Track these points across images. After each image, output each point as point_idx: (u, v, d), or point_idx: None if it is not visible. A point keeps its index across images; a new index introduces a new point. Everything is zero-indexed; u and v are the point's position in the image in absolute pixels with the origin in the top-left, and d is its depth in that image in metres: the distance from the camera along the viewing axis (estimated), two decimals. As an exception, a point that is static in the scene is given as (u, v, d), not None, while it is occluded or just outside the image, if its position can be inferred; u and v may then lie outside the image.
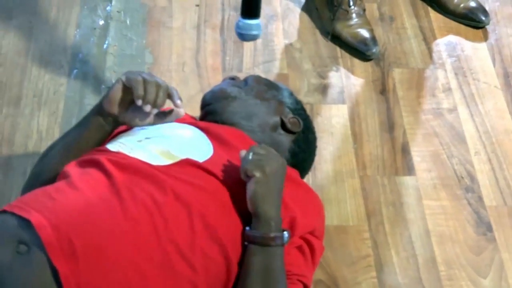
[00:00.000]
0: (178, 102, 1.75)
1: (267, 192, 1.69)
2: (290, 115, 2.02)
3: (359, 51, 2.63)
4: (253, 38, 2.08)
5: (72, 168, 1.73)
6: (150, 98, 1.70)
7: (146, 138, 1.81)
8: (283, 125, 2.00)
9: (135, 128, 1.85)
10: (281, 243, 1.69)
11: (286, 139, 2.00)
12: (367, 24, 2.67)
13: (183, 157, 1.76)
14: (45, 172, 1.80)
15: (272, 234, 1.68)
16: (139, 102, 1.69)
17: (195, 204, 1.67)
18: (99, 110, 1.79)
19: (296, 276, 1.74)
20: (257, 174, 1.68)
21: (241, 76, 2.48)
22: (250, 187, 1.69)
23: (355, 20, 2.66)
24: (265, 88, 2.05)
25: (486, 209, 2.23)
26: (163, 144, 1.79)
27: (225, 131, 1.90)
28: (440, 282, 2.05)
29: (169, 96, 1.75)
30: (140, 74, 1.74)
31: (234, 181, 1.73)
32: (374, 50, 2.62)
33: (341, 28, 2.66)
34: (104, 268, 1.55)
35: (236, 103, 2.00)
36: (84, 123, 1.82)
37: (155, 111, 1.73)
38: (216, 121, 1.98)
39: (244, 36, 2.07)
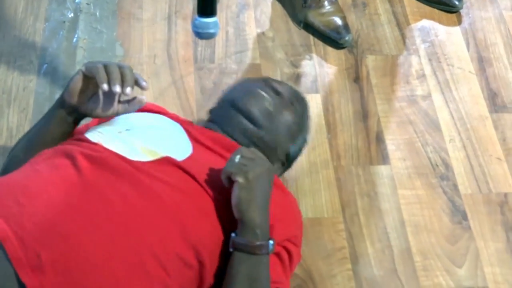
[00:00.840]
0: (144, 83, 1.70)
1: (252, 199, 1.65)
2: (282, 161, 1.99)
3: (332, 39, 2.61)
4: (210, 36, 2.05)
5: (41, 159, 1.69)
6: (115, 79, 1.65)
7: (127, 129, 1.77)
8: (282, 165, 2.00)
9: (116, 118, 1.80)
10: (266, 251, 1.67)
11: (278, 170, 1.99)
12: (339, 11, 2.65)
13: (163, 154, 1.72)
14: (11, 169, 1.77)
15: (258, 243, 1.65)
16: (105, 87, 1.64)
17: (172, 206, 1.64)
18: (61, 103, 1.76)
19: (274, 284, 1.70)
20: (240, 179, 1.64)
21: (214, 67, 2.49)
22: (234, 193, 1.65)
23: (327, 7, 2.63)
24: (286, 137, 1.96)
25: (461, 197, 2.22)
26: (143, 138, 1.76)
27: (208, 134, 1.87)
28: (415, 273, 2.04)
29: (134, 79, 1.69)
30: (100, 62, 1.70)
31: (213, 183, 1.70)
32: (347, 38, 2.59)
33: (313, 16, 2.63)
34: (75, 277, 1.52)
35: (253, 133, 1.92)
36: (47, 117, 1.80)
37: (129, 89, 1.65)
38: (219, 123, 1.94)
39: (200, 35, 2.05)
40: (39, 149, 1.75)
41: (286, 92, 1.97)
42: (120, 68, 1.67)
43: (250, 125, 1.91)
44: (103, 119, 1.83)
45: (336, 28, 2.61)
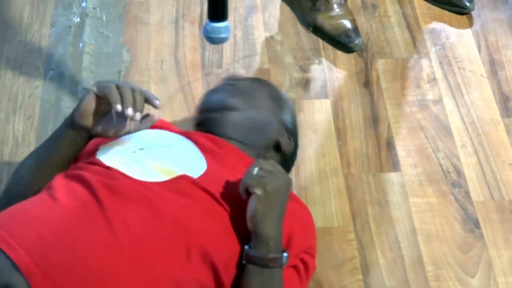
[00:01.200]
0: (157, 102, 1.68)
1: (268, 212, 1.63)
2: (286, 137, 1.96)
3: (341, 42, 2.58)
4: (222, 41, 2.03)
5: (59, 188, 1.65)
6: (128, 101, 1.63)
7: (140, 149, 1.75)
8: (277, 145, 1.95)
9: (127, 136, 1.77)
10: (280, 264, 1.65)
11: (275, 158, 1.94)
12: (349, 14, 2.61)
13: (179, 172, 1.69)
14: (18, 190, 1.73)
15: (271, 256, 1.64)
16: (118, 107, 1.62)
17: (192, 228, 1.61)
18: (71, 123, 1.72)
19: None
20: (258, 192, 1.62)
21: (222, 72, 2.46)
22: (251, 205, 1.63)
23: (336, 10, 2.60)
24: (272, 105, 1.98)
25: (473, 204, 2.19)
26: (158, 156, 1.73)
27: (215, 144, 1.84)
28: (427, 283, 2.02)
29: (146, 99, 1.68)
30: (112, 81, 1.68)
31: (230, 199, 1.68)
32: (356, 42, 2.56)
33: (322, 19, 2.60)
34: None
35: (239, 118, 1.92)
36: (55, 137, 1.76)
37: (138, 115, 1.65)
38: (210, 131, 1.91)
39: (212, 40, 2.02)
40: (47, 171, 1.72)
41: (241, 77, 2.03)
42: (132, 90, 1.65)
43: (231, 113, 1.91)
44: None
45: (346, 32, 2.57)
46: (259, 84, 2.03)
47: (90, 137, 1.75)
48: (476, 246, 2.09)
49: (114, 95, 1.64)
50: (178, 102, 2.39)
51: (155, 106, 1.68)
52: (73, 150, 1.74)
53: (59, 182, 1.67)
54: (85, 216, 1.58)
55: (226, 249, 1.64)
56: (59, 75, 2.45)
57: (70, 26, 2.60)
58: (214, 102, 1.97)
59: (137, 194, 1.63)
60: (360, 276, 2.02)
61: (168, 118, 2.28)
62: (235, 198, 1.67)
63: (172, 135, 1.84)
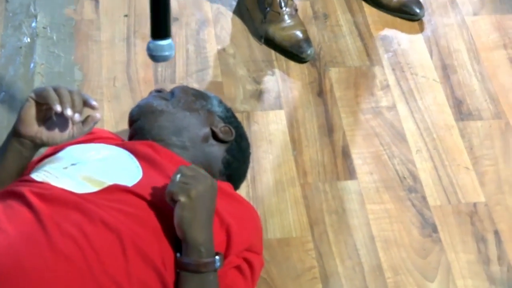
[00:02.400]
0: (94, 103, 1.68)
1: (194, 217, 1.62)
2: (221, 124, 1.97)
3: (294, 53, 2.58)
4: (165, 59, 2.02)
5: None
6: (66, 102, 1.62)
7: (72, 164, 1.74)
8: (214, 135, 1.95)
9: (59, 154, 1.78)
10: (214, 268, 1.64)
11: (218, 149, 1.95)
12: (300, 25, 2.62)
13: (111, 182, 1.69)
14: None
15: (203, 260, 1.63)
16: (58, 108, 1.61)
17: (126, 231, 1.61)
18: (14, 135, 1.71)
19: None
20: (182, 199, 1.61)
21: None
22: (176, 212, 1.62)
23: (287, 22, 2.60)
24: (193, 99, 1.99)
25: (430, 209, 2.19)
26: (90, 170, 1.73)
27: (154, 150, 1.84)
28: (387, 290, 2.02)
29: (84, 100, 1.67)
30: (48, 86, 1.67)
31: (165, 203, 1.67)
32: (308, 52, 2.56)
33: (273, 30, 2.60)
34: None
35: (163, 117, 1.94)
36: (0, 152, 1.75)
37: (77, 116, 1.64)
38: (145, 139, 1.92)
39: (155, 58, 2.01)
40: None
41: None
42: (70, 92, 1.65)
43: (156, 114, 1.93)
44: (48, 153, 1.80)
45: (298, 42, 2.58)
46: (178, 88, 2.04)
47: (37, 148, 1.73)
48: (434, 250, 2.10)
49: (52, 97, 1.63)
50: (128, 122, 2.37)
51: (92, 107, 1.68)
52: (19, 163, 1.73)
53: None
54: (19, 222, 1.58)
55: (162, 250, 1.64)
56: (11, 97, 2.43)
57: (21, 47, 2.58)
58: (134, 111, 1.99)
59: (69, 201, 1.62)
60: (320, 286, 2.02)
61: (122, 135, 2.26)
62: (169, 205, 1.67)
63: (106, 147, 1.83)
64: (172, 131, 1.92)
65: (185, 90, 2.03)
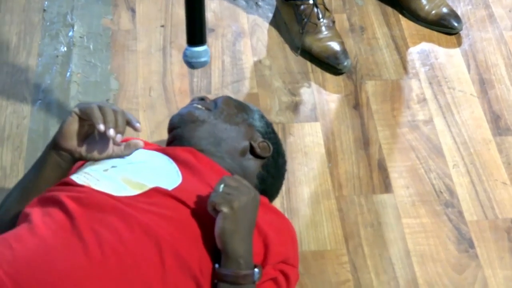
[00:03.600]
0: (138, 125, 1.69)
1: (236, 229, 1.61)
2: (260, 139, 1.96)
3: (330, 65, 2.57)
4: (203, 65, 2.02)
5: (33, 209, 1.65)
6: (109, 121, 1.63)
7: (112, 166, 1.73)
8: (252, 150, 1.94)
9: None
10: (252, 280, 1.63)
11: (254, 164, 1.95)
12: (337, 36, 2.60)
13: (151, 185, 1.69)
14: (5, 219, 1.72)
15: (243, 272, 1.61)
16: (101, 127, 1.62)
17: (165, 236, 1.60)
18: (54, 147, 1.71)
19: None
20: (225, 210, 1.60)
21: (211, 97, 2.44)
22: (218, 223, 1.61)
23: (324, 33, 2.59)
24: (235, 111, 1.99)
25: (467, 224, 2.16)
26: (130, 173, 1.72)
27: (194, 157, 1.84)
28: (422, 305, 1.99)
29: (127, 121, 1.68)
30: (94, 102, 1.67)
31: (205, 210, 1.66)
32: (345, 64, 2.55)
33: (310, 42, 2.59)
34: None
35: (204, 127, 1.93)
36: (39, 163, 1.75)
37: (119, 137, 1.65)
38: (183, 146, 1.91)
39: (192, 64, 2.01)
40: (32, 197, 1.70)
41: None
42: (114, 111, 1.64)
43: (198, 124, 1.93)
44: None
45: (334, 54, 2.56)
46: (221, 98, 2.04)
47: (75, 161, 1.73)
48: (470, 266, 2.07)
49: (96, 115, 1.63)
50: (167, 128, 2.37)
51: (135, 129, 1.69)
52: (57, 174, 1.73)
53: (33, 204, 1.67)
54: (56, 229, 1.57)
55: (200, 258, 1.63)
56: (47, 105, 2.43)
57: (57, 56, 2.59)
58: (175, 118, 1.99)
59: (107, 205, 1.62)
60: (355, 300, 2.00)
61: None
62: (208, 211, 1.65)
63: (146, 152, 1.83)
64: (211, 142, 1.91)
65: (228, 102, 2.02)
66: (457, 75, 2.58)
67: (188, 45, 2.00)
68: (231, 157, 1.91)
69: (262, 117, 2.04)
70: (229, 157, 1.91)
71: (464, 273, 2.06)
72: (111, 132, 1.62)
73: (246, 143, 1.94)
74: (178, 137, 1.95)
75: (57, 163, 1.72)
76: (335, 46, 2.58)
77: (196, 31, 1.99)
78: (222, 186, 1.63)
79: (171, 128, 1.99)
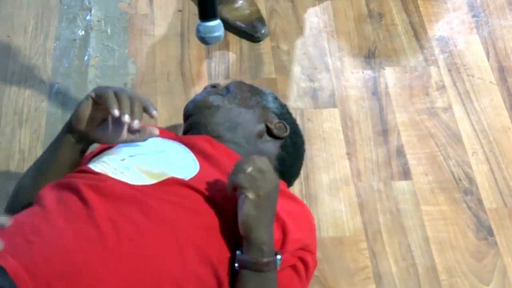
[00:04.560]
0: (154, 112, 1.66)
1: (261, 216, 1.59)
2: (276, 120, 1.96)
3: (247, 33, 2.58)
4: (217, 39, 2.00)
5: (49, 194, 1.63)
6: (125, 108, 1.61)
7: (130, 156, 1.72)
8: (269, 132, 1.93)
9: (119, 145, 1.76)
10: (274, 267, 1.62)
11: (273, 146, 1.94)
12: (253, 4, 2.64)
13: (168, 175, 1.67)
14: (21, 200, 1.72)
15: (265, 259, 1.60)
16: (116, 112, 1.59)
17: (183, 226, 1.59)
18: (68, 129, 1.71)
19: None
20: (251, 196, 1.57)
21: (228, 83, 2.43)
22: (243, 210, 1.58)
23: (240, 2, 2.61)
24: (248, 95, 1.98)
25: (486, 212, 2.15)
26: (147, 162, 1.71)
27: (211, 145, 1.83)
28: (441, 292, 1.99)
29: (144, 107, 1.66)
30: (110, 87, 1.66)
31: (222, 199, 1.65)
32: (263, 31, 2.59)
33: (227, 11, 2.58)
34: None
35: (219, 113, 1.93)
36: (54, 144, 1.74)
37: (136, 123, 1.62)
38: (201, 134, 1.90)
39: (206, 40, 2.00)
40: (48, 178, 1.69)
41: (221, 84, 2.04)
42: (130, 98, 1.63)
43: (213, 109, 1.92)
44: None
45: (251, 22, 2.57)
46: (233, 83, 2.03)
47: (90, 143, 1.73)
48: (489, 254, 2.06)
49: (112, 100, 1.61)
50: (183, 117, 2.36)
51: (152, 116, 1.66)
52: (71, 157, 1.73)
53: (47, 190, 1.65)
54: (72, 218, 1.55)
55: (218, 246, 1.62)
56: (65, 89, 2.43)
57: (75, 39, 2.58)
58: (190, 106, 1.99)
59: (124, 195, 1.60)
60: (373, 286, 1.99)
61: (175, 129, 2.26)
62: (227, 197, 1.64)
63: (163, 141, 1.82)
64: (227, 127, 1.90)
65: (240, 85, 2.01)
66: (476, 63, 2.57)
67: (200, 21, 1.98)
68: (248, 141, 1.91)
69: (276, 98, 2.04)
70: (246, 142, 1.90)
71: (483, 261, 2.05)
72: (126, 118, 1.60)
73: (262, 126, 1.94)
74: (195, 125, 1.94)
75: (72, 144, 1.71)
76: (251, 14, 2.59)
77: (207, 5, 1.97)
78: (250, 168, 1.59)
79: (187, 116, 1.99)
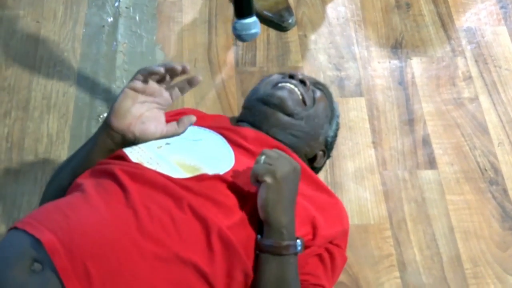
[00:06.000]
0: (187, 67, 1.68)
1: (279, 199, 1.60)
2: (322, 147, 1.96)
3: (275, 23, 2.59)
4: (253, 36, 2.00)
5: (86, 180, 1.64)
6: (169, 63, 1.64)
7: (167, 143, 1.72)
8: (313, 158, 1.96)
9: None
10: (294, 251, 1.61)
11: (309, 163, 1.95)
12: None
13: (203, 169, 1.67)
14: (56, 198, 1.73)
15: (285, 243, 1.60)
16: (161, 69, 1.63)
17: (214, 221, 1.58)
18: (106, 128, 1.69)
19: (313, 287, 1.66)
20: (268, 180, 1.59)
21: (255, 71, 2.44)
22: (261, 194, 1.60)
23: None
24: (324, 120, 1.95)
25: (511, 202, 2.15)
26: (183, 153, 1.71)
27: (250, 136, 1.83)
28: (465, 281, 1.99)
29: (173, 70, 1.67)
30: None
31: (255, 191, 1.64)
32: (290, 21, 2.59)
33: (254, 1, 2.58)
34: None
35: (290, 123, 1.90)
36: (89, 145, 1.74)
37: (187, 66, 1.65)
38: (257, 127, 1.89)
39: (243, 37, 2.00)
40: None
41: (308, 79, 1.96)
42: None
43: (287, 118, 1.88)
44: None
45: (278, 12, 2.58)
46: (321, 94, 1.98)
47: (125, 145, 1.71)
48: (514, 244, 2.07)
49: (154, 66, 1.64)
50: (212, 100, 2.38)
51: (185, 71, 1.67)
52: (105, 155, 1.71)
53: (84, 177, 1.66)
54: (110, 199, 1.56)
55: (247, 239, 1.61)
56: (93, 74, 2.44)
57: (104, 26, 2.60)
58: (264, 94, 1.93)
59: (159, 184, 1.60)
60: (397, 273, 2.00)
61: (202, 116, 2.27)
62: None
63: (201, 130, 1.82)
64: (288, 138, 1.89)
65: (325, 105, 1.97)
66: (503, 54, 2.56)
67: (236, 18, 1.99)
68: (299, 154, 1.91)
69: (338, 126, 2.03)
70: (296, 150, 1.90)
71: (508, 251, 2.05)
72: (174, 64, 1.62)
73: (314, 152, 1.95)
74: (259, 115, 1.90)
75: (107, 147, 1.70)
76: (279, 3, 2.59)
77: (243, 3, 1.98)
78: (263, 157, 1.62)
79: (259, 101, 1.94)
